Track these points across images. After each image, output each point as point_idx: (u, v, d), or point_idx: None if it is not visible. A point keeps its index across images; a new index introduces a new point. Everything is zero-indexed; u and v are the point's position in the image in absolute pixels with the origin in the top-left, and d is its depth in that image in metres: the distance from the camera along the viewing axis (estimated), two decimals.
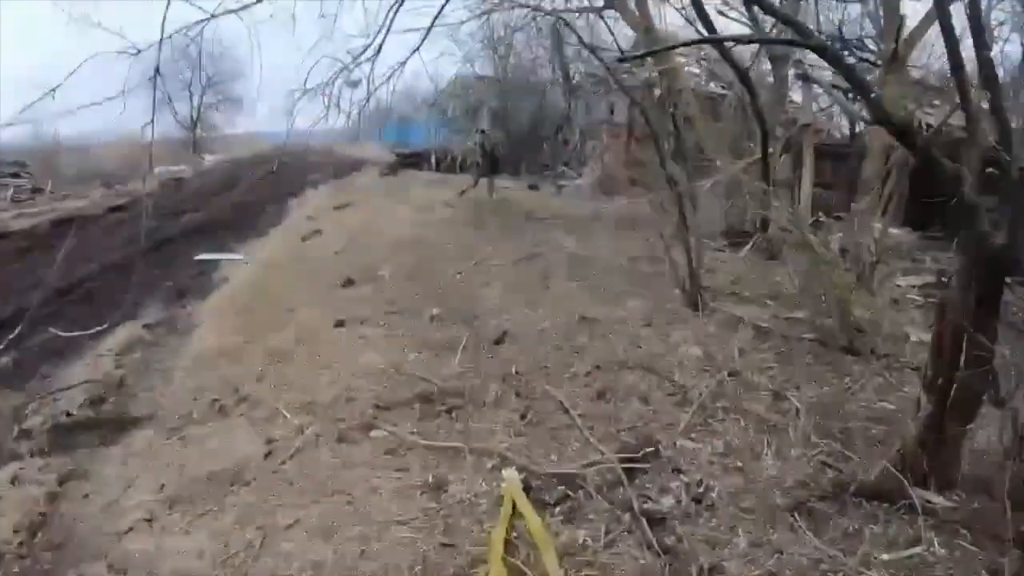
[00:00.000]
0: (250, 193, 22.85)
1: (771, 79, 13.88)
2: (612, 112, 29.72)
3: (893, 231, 11.55)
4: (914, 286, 10.71)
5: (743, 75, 8.44)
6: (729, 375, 6.45)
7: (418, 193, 19.19)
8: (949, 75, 4.82)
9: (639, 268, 10.10)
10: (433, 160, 26.97)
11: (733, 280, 9.66)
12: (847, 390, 6.38)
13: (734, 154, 13.97)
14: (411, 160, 27.73)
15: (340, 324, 8.45)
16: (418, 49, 8.61)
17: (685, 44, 8.56)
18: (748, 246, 11.73)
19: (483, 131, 19.77)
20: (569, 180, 23.66)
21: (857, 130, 19.14)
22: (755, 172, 11.05)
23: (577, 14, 14.08)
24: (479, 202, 16.48)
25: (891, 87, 9.37)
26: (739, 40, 8.21)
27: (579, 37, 11.59)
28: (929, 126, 12.45)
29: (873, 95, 4.29)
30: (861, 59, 15.37)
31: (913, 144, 4.34)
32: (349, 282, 10.33)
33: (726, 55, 8.47)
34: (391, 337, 7.79)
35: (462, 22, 13.86)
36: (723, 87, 26.75)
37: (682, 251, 8.36)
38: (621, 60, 12.64)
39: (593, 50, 11.37)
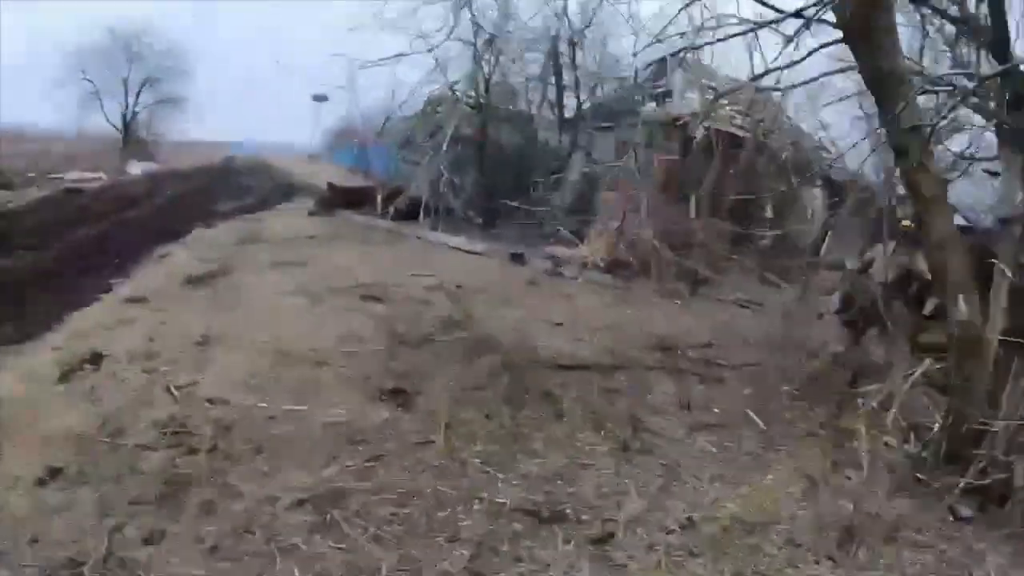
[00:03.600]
0: (134, 223, 15.87)
1: None
2: (631, 156, 22.09)
3: None
4: None
5: None
6: None
7: (339, 260, 11.55)
8: None
9: None
10: (379, 200, 18.72)
11: None
12: None
13: None
14: (352, 197, 19.78)
15: None
16: None
17: None
18: None
19: None
20: (566, 247, 15.94)
21: None
22: None
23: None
24: (418, 314, 8.49)
25: None
26: None
27: None
28: None
29: None
30: None
31: None
32: None
33: None
34: None
35: None
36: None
37: None
38: None
39: None
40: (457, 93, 20.23)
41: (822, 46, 5.51)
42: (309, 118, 41.02)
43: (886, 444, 5.24)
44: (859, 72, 5.22)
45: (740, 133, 19.97)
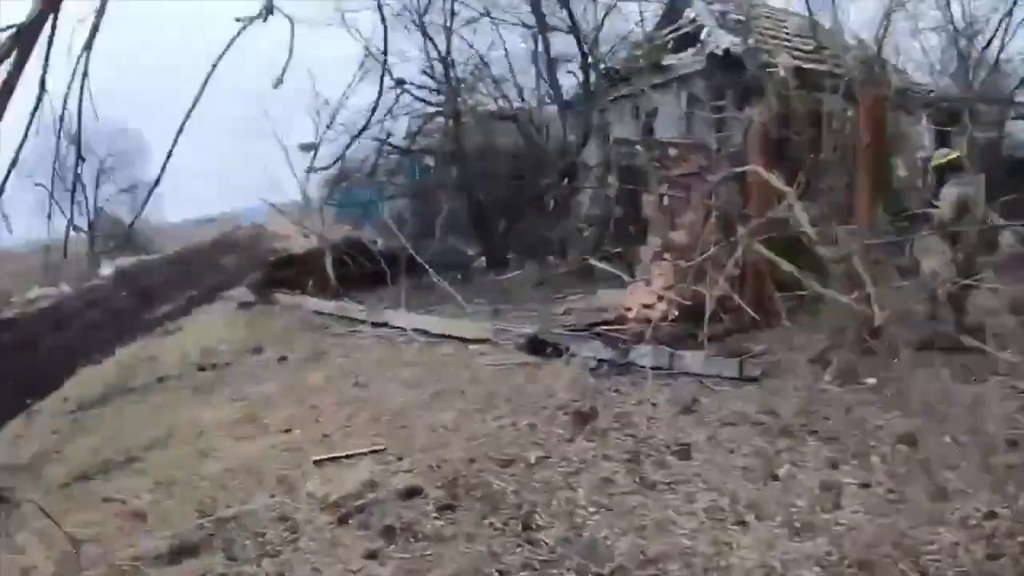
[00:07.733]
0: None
1: None
2: (651, 130, 15.54)
3: None
4: None
5: None
6: None
7: (216, 418, 5.62)
8: None
9: None
10: (329, 266, 12.16)
11: None
12: None
13: None
14: (294, 269, 13.32)
15: None
16: None
17: None
18: None
19: None
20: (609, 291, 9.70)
21: None
22: None
23: None
24: None
25: None
26: None
27: None
28: None
29: None
30: None
31: None
32: None
33: None
34: None
35: None
36: None
37: None
38: None
39: None
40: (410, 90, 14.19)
41: None
42: (297, 169, 34.78)
43: None
44: None
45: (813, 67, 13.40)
